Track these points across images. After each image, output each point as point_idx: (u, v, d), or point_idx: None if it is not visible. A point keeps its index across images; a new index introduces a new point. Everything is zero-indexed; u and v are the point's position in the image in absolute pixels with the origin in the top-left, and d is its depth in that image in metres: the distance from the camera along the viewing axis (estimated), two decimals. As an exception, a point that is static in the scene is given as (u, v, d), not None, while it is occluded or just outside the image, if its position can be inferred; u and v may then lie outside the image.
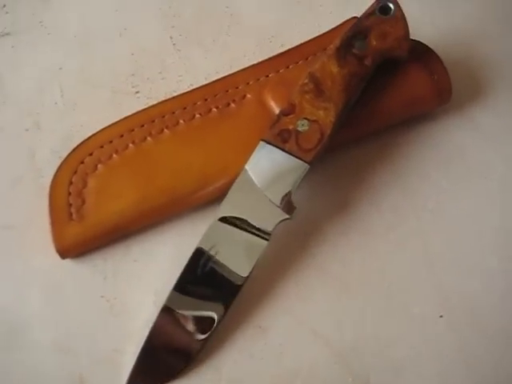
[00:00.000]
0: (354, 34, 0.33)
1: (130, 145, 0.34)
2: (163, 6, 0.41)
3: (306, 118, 0.31)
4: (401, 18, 0.33)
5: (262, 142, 0.32)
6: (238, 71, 0.36)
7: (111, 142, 0.34)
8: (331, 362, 0.31)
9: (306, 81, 0.32)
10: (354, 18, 0.37)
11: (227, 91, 0.35)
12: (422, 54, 0.36)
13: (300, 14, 0.41)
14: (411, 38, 0.36)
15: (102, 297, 0.32)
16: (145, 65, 0.39)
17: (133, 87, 0.38)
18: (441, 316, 0.33)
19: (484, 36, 0.40)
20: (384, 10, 0.33)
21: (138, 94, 0.38)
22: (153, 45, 0.39)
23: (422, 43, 0.36)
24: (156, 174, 0.33)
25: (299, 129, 0.31)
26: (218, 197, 0.33)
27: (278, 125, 0.32)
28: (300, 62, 0.36)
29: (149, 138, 0.34)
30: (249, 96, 0.35)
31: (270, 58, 0.37)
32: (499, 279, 0.34)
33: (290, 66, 0.36)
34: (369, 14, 0.34)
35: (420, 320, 0.32)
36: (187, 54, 0.39)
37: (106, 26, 0.40)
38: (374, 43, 0.33)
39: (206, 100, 0.35)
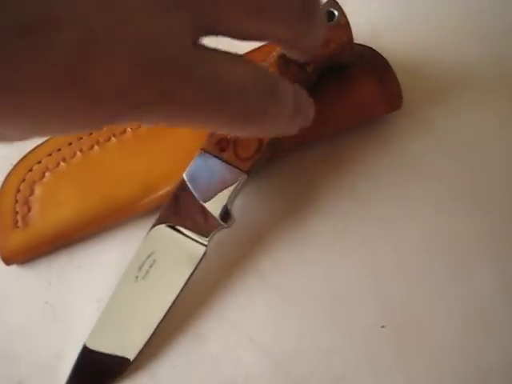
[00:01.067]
0: None
1: (78, 153, 0.34)
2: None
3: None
4: (345, 24, 0.33)
5: (200, 151, 0.32)
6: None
7: (59, 149, 0.35)
8: (269, 370, 0.31)
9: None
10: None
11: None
12: (371, 60, 0.35)
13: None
14: (361, 43, 0.36)
15: (45, 303, 0.33)
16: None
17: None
18: (383, 326, 0.32)
19: (438, 42, 0.40)
20: (328, 16, 0.33)
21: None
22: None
23: (371, 49, 0.36)
24: (100, 182, 0.34)
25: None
26: (159, 205, 0.33)
27: (216, 134, 0.32)
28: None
29: (96, 147, 0.35)
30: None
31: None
32: (446, 291, 0.33)
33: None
34: None
35: (361, 330, 0.32)
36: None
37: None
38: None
39: (153, 108, 0.35)
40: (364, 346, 0.32)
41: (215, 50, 0.19)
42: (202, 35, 0.19)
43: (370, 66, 0.35)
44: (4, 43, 0.14)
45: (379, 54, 0.36)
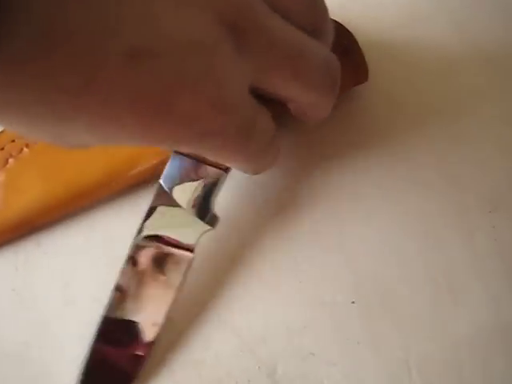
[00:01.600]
0: None
1: (40, 139, 0.34)
2: None
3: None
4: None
5: (174, 154, 0.30)
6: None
7: (23, 136, 0.34)
8: (237, 350, 0.31)
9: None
10: None
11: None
12: (336, 32, 0.35)
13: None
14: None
15: (12, 290, 0.33)
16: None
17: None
18: (353, 302, 0.32)
19: (407, 17, 0.39)
20: None
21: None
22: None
23: (336, 22, 0.35)
24: (64, 167, 0.33)
25: None
26: (126, 189, 0.33)
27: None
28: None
29: (59, 131, 0.34)
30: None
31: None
32: (416, 266, 0.33)
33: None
34: None
35: (331, 306, 0.32)
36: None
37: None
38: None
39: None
40: (333, 322, 0.32)
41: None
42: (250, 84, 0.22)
43: (335, 38, 0.34)
44: (113, 66, 0.17)
45: (344, 27, 0.35)
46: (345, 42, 0.34)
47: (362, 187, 0.35)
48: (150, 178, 0.33)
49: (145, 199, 0.30)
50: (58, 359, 0.31)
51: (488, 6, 0.41)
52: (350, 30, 0.36)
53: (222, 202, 0.31)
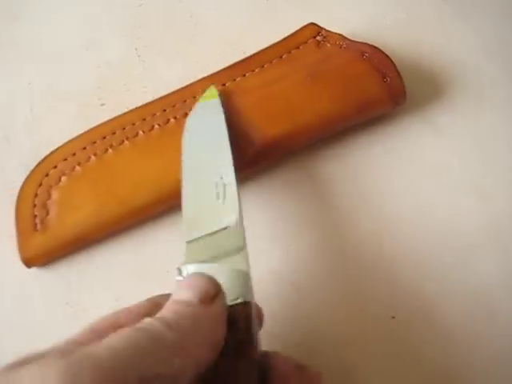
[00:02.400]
0: None
1: (92, 157, 0.35)
2: (129, 18, 0.42)
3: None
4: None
5: None
6: (196, 81, 0.37)
7: (74, 154, 0.36)
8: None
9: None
10: (311, 23, 0.38)
11: (185, 101, 0.37)
12: (374, 57, 0.36)
13: (262, 20, 0.42)
14: (364, 41, 0.37)
15: (66, 303, 0.34)
16: (110, 77, 0.40)
17: (98, 99, 0.39)
18: (393, 317, 0.33)
19: (440, 36, 0.41)
20: None
21: (103, 107, 0.39)
22: (118, 57, 0.41)
23: (373, 46, 0.37)
24: (115, 184, 0.35)
25: None
26: (175, 205, 0.34)
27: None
28: (256, 70, 0.37)
29: (110, 150, 0.36)
30: (206, 105, 0.36)
31: (227, 67, 0.38)
32: (454, 279, 0.34)
33: (247, 74, 0.37)
34: None
35: (372, 320, 0.33)
36: (151, 64, 0.40)
37: (73, 41, 0.41)
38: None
39: (164, 111, 0.36)
40: (375, 335, 0.33)
41: None
42: None
43: (373, 63, 0.36)
44: None
45: (381, 51, 0.37)
46: (383, 67, 0.36)
47: (395, 205, 0.36)
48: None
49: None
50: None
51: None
52: (387, 53, 0.37)
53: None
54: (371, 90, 0.36)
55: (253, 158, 0.34)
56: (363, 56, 0.36)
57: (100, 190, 0.35)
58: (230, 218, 0.28)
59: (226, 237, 0.28)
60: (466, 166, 0.37)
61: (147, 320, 0.22)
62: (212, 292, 0.24)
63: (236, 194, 0.29)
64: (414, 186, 0.37)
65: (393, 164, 0.37)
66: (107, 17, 0.42)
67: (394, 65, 0.36)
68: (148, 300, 0.27)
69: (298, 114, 0.35)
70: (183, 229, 0.29)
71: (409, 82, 0.38)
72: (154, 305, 0.26)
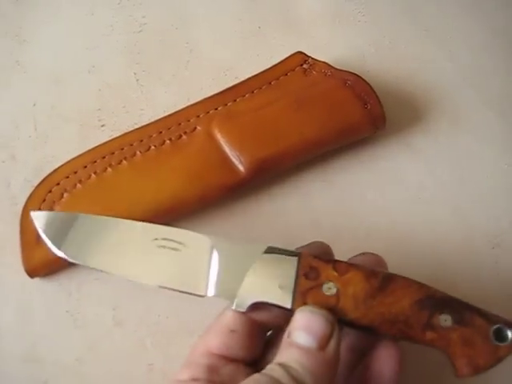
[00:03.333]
0: None
1: (93, 175, 0.38)
2: (129, 44, 0.45)
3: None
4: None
5: None
6: (190, 105, 0.40)
7: (76, 172, 0.38)
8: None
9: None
10: (299, 52, 0.41)
11: (180, 124, 0.39)
12: (355, 85, 0.39)
13: (254, 47, 0.45)
14: (346, 69, 0.40)
15: (66, 312, 0.36)
16: (110, 100, 0.42)
17: (99, 121, 0.42)
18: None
19: (420, 63, 0.44)
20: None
21: (103, 128, 0.42)
22: (118, 81, 0.43)
23: (355, 74, 0.40)
24: (114, 201, 0.37)
25: None
26: (170, 221, 0.37)
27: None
28: (246, 95, 0.40)
29: (109, 169, 0.38)
30: (199, 128, 0.39)
31: (219, 92, 0.40)
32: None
33: (237, 100, 0.40)
34: None
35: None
36: (149, 88, 0.43)
37: (76, 64, 0.44)
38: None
39: (160, 133, 0.39)
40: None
41: None
42: None
43: (355, 91, 0.39)
44: None
45: (363, 80, 0.39)
46: (363, 94, 0.39)
47: (377, 226, 0.39)
48: (190, 213, 0.37)
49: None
50: (107, 374, 0.35)
51: (493, 53, 0.45)
52: (369, 80, 0.40)
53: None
54: (353, 116, 0.38)
55: (242, 179, 0.37)
56: (346, 84, 0.39)
57: (99, 206, 0.37)
58: None
59: None
60: (440, 185, 0.40)
61: (278, 371, 0.24)
62: (328, 333, 0.26)
63: None
64: (393, 205, 0.40)
65: (373, 184, 0.40)
66: (108, 42, 0.45)
67: (375, 92, 0.39)
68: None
69: (284, 138, 0.38)
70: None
71: (389, 107, 0.41)
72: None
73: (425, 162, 0.41)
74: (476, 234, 0.39)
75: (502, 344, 0.26)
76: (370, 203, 0.39)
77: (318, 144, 0.38)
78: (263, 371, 0.25)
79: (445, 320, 0.26)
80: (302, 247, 0.30)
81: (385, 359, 0.28)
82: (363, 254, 0.31)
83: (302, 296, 0.27)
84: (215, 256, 0.29)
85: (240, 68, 0.43)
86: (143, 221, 0.36)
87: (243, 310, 0.28)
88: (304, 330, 0.26)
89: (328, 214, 0.39)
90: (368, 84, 0.39)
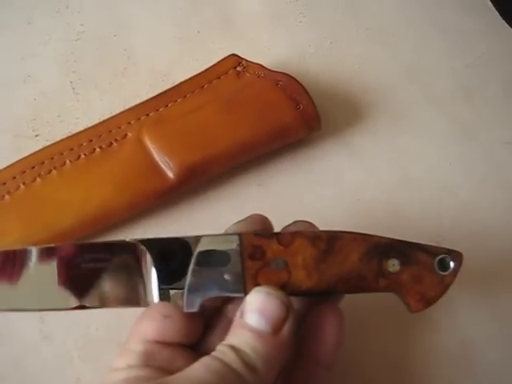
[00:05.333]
0: None
1: (21, 186, 0.37)
2: (66, 52, 0.44)
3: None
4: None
5: None
6: (122, 112, 0.39)
7: (5, 183, 0.37)
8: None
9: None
10: (233, 55, 0.41)
11: (110, 131, 0.38)
12: (287, 86, 0.38)
13: (192, 51, 0.44)
14: (283, 70, 0.39)
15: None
16: (45, 109, 0.42)
17: (33, 131, 0.41)
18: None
19: (361, 63, 0.43)
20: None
21: (37, 137, 0.41)
22: (54, 90, 0.43)
23: (287, 75, 0.39)
24: (41, 211, 0.36)
25: None
26: (98, 231, 0.36)
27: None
28: (179, 100, 0.39)
29: (38, 179, 0.37)
30: (129, 135, 0.38)
31: (151, 98, 0.40)
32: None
33: (169, 105, 0.39)
34: None
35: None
36: (85, 97, 0.42)
37: (11, 74, 0.43)
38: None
39: (91, 141, 0.38)
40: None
41: None
42: None
43: (287, 91, 0.38)
44: None
45: (295, 80, 0.39)
46: (296, 95, 0.38)
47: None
48: (119, 221, 0.37)
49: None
50: (34, 392, 0.34)
51: (436, 51, 0.44)
52: (308, 81, 0.40)
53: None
54: (285, 117, 0.38)
55: (171, 185, 0.36)
56: (278, 85, 0.38)
57: (26, 216, 0.36)
58: None
59: None
60: (380, 185, 0.39)
61: (229, 355, 0.23)
62: (283, 317, 0.25)
63: None
64: (333, 206, 0.39)
65: (310, 186, 0.39)
66: (45, 51, 0.44)
67: (307, 92, 0.38)
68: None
69: (214, 142, 0.37)
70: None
71: (329, 107, 0.40)
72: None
73: (364, 162, 0.40)
74: (417, 233, 0.38)
75: (446, 273, 0.28)
76: (307, 206, 0.39)
77: (251, 147, 0.37)
78: (214, 354, 0.24)
79: (393, 265, 0.27)
80: (239, 222, 0.30)
81: (326, 323, 0.28)
82: (295, 222, 0.30)
83: (252, 279, 0.26)
84: (149, 259, 0.27)
85: (177, 73, 0.43)
86: (69, 230, 0.36)
87: (195, 309, 0.26)
88: (258, 313, 0.25)
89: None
90: (300, 84, 0.38)
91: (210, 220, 0.38)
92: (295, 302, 0.27)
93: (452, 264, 0.28)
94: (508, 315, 0.36)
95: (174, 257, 0.27)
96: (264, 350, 0.24)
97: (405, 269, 0.27)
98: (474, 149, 0.41)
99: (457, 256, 0.28)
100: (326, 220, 0.38)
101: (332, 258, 0.27)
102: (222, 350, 0.24)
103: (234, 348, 0.24)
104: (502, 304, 0.36)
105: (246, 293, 0.26)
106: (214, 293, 0.26)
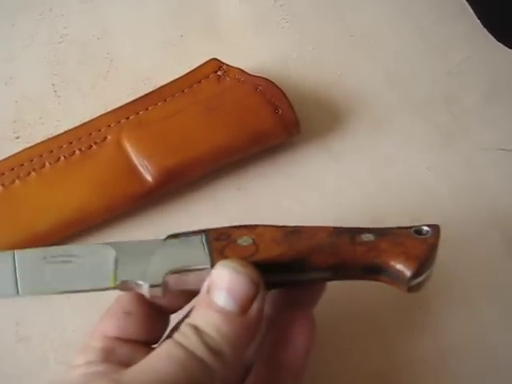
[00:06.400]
0: None
1: (0, 187, 0.37)
2: (48, 55, 0.44)
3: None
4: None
5: None
6: (102, 115, 0.39)
7: (-17, 185, 0.37)
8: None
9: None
10: (213, 59, 0.41)
11: (90, 134, 0.38)
12: (266, 90, 0.39)
13: (175, 55, 0.44)
14: (258, 75, 0.39)
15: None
16: (27, 111, 0.42)
17: (14, 133, 0.41)
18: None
19: (343, 68, 0.43)
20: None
21: (18, 140, 0.41)
22: (36, 92, 0.43)
23: (267, 80, 0.39)
24: (19, 213, 0.36)
25: None
26: (74, 233, 0.36)
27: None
28: (159, 104, 0.39)
29: (17, 181, 0.37)
30: (109, 138, 0.38)
31: (131, 101, 0.40)
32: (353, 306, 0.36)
33: (149, 108, 0.39)
34: None
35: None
36: (67, 99, 0.42)
37: (-7, 76, 0.43)
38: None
39: (70, 143, 0.38)
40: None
41: None
42: None
43: (266, 96, 0.38)
44: None
45: (274, 84, 0.39)
46: (274, 99, 0.38)
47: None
48: (97, 224, 0.37)
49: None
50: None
51: (417, 58, 0.45)
52: (290, 86, 0.40)
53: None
54: (264, 122, 0.38)
55: (149, 188, 0.36)
56: (257, 89, 0.38)
57: (4, 218, 0.36)
58: None
59: None
60: (360, 190, 0.39)
61: (193, 340, 0.22)
62: (252, 296, 0.24)
63: None
64: (313, 212, 0.39)
65: (290, 190, 0.39)
66: (28, 53, 0.44)
67: (286, 97, 0.38)
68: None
69: (193, 146, 0.37)
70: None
71: (309, 112, 0.41)
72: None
73: (344, 167, 0.40)
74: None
75: (426, 236, 0.26)
76: (286, 210, 0.39)
77: (229, 151, 0.38)
78: (176, 338, 0.23)
79: (367, 237, 0.26)
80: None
81: (296, 328, 0.27)
82: None
83: (219, 253, 0.25)
84: (116, 256, 0.27)
85: (160, 77, 0.43)
86: (46, 232, 0.36)
87: (159, 283, 0.25)
88: (225, 291, 0.23)
89: (242, 221, 0.38)
90: (279, 89, 0.39)
91: (188, 223, 0.38)
92: (266, 306, 0.26)
93: (430, 229, 0.27)
94: (488, 322, 0.36)
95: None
96: (231, 331, 0.23)
97: (381, 238, 0.26)
98: (454, 155, 0.41)
99: (433, 226, 0.27)
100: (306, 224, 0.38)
101: (300, 235, 0.26)
102: (184, 333, 0.23)
103: (197, 330, 0.23)
104: (482, 311, 0.36)
105: (212, 265, 0.25)
106: (179, 264, 0.25)
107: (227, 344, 0.23)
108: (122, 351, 0.26)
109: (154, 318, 0.27)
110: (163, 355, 0.22)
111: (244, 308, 0.23)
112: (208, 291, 0.24)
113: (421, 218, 0.38)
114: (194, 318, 0.24)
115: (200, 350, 0.22)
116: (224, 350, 0.23)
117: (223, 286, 0.24)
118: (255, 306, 0.24)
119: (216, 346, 0.23)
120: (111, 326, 0.27)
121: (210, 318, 0.23)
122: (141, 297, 0.27)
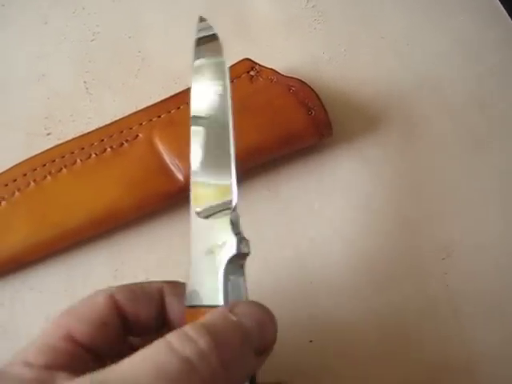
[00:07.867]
0: None
1: (32, 183, 0.37)
2: (81, 52, 0.44)
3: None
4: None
5: None
6: (134, 113, 0.39)
7: (15, 180, 0.38)
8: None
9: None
10: (246, 59, 0.40)
11: (122, 132, 0.38)
12: (299, 91, 0.38)
13: (206, 55, 0.44)
14: (296, 76, 0.39)
15: (-3, 323, 0.35)
16: (58, 108, 0.42)
17: (45, 129, 0.41)
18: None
19: (374, 71, 0.43)
20: None
21: (49, 136, 0.41)
22: (67, 89, 0.43)
23: (300, 80, 0.39)
24: (50, 209, 0.36)
25: None
26: (106, 231, 0.36)
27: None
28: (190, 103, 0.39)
29: (48, 177, 0.37)
30: (140, 136, 0.38)
31: (163, 100, 0.40)
32: (368, 307, 0.35)
33: (181, 107, 0.39)
34: None
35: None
36: (98, 97, 0.43)
37: (26, 73, 0.43)
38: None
39: (102, 140, 0.38)
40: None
41: None
42: None
43: (299, 97, 0.38)
44: None
45: (307, 86, 0.38)
46: (307, 100, 0.38)
47: (324, 233, 0.37)
48: (127, 222, 0.37)
49: (121, 243, 0.35)
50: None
51: (450, 61, 0.44)
52: (321, 87, 0.39)
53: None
54: (296, 123, 0.37)
55: (180, 187, 0.36)
56: (290, 90, 0.38)
57: (35, 214, 0.36)
58: None
59: None
60: (390, 194, 0.39)
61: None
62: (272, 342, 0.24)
63: None
64: (341, 214, 0.38)
65: (321, 193, 0.39)
66: (60, 51, 0.44)
67: (319, 98, 0.38)
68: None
69: (225, 145, 0.37)
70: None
71: (341, 114, 0.40)
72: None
73: (375, 170, 0.40)
74: (425, 245, 0.38)
75: None
76: (316, 212, 0.38)
77: (261, 151, 0.37)
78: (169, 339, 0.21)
79: None
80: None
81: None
82: None
83: None
84: None
85: (190, 77, 0.42)
86: (77, 229, 0.36)
87: None
88: (239, 336, 0.23)
89: (272, 223, 0.38)
90: (313, 90, 0.38)
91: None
92: None
93: None
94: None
95: None
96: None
97: None
98: (487, 160, 0.40)
99: None
100: (335, 227, 0.38)
101: None
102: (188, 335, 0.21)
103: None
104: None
105: None
106: None
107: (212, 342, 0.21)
108: (82, 360, 0.24)
109: (125, 335, 0.26)
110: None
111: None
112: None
113: (452, 224, 0.38)
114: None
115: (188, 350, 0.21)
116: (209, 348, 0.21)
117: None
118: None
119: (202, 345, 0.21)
120: (82, 332, 0.25)
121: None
122: (119, 309, 0.26)
